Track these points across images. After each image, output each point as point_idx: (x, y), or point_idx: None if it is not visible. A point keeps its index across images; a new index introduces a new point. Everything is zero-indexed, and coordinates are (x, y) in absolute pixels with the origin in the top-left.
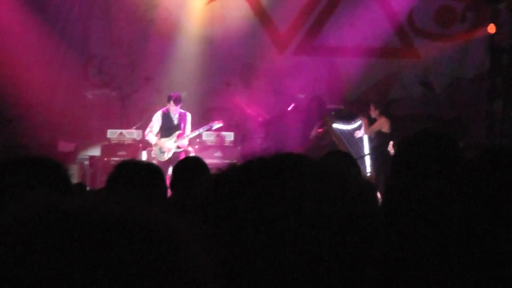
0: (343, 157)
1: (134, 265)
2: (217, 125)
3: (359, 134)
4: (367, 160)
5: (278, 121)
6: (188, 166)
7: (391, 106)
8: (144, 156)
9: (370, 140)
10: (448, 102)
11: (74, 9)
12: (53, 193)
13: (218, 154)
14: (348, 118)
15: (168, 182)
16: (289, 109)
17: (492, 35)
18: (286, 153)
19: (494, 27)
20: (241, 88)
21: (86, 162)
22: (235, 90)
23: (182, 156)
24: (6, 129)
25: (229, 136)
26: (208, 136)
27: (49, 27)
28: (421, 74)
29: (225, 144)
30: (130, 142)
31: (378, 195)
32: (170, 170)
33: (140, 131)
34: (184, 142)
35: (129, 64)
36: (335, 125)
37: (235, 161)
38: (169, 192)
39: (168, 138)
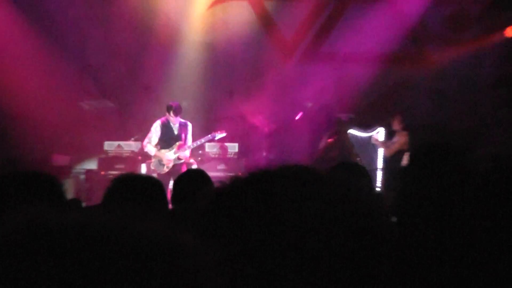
0: (353, 169)
1: (131, 284)
2: (219, 135)
3: (376, 137)
4: (379, 174)
5: (285, 132)
6: (191, 179)
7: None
8: (143, 169)
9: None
10: (463, 111)
11: (69, 15)
12: (44, 208)
13: (221, 166)
14: (363, 125)
15: (169, 196)
16: (296, 118)
17: (510, 39)
18: (292, 165)
19: None
20: (245, 97)
21: (82, 176)
22: (238, 99)
23: (184, 169)
24: None
25: (233, 147)
26: (211, 148)
27: (43, 34)
28: (433, 82)
29: (229, 155)
30: (128, 154)
31: None
32: (171, 184)
33: (139, 143)
34: (186, 153)
35: (127, 72)
36: (351, 131)
37: (239, 173)
38: (170, 207)
39: (168, 149)
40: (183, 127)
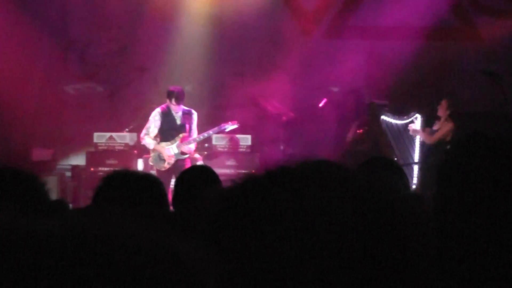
0: (386, 165)
1: None
2: (231, 126)
3: (413, 126)
4: (415, 169)
5: (306, 121)
6: (194, 177)
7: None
8: (140, 165)
9: (423, 144)
10: None
11: None
12: (20, 212)
13: (231, 162)
14: (398, 111)
15: (170, 196)
16: (320, 105)
17: None
18: (316, 161)
19: None
20: (259, 80)
21: (68, 173)
22: (251, 83)
23: (188, 165)
24: None
25: (245, 139)
26: (219, 140)
27: (18, 7)
28: (484, 61)
29: (240, 149)
30: (122, 148)
31: None
32: (173, 182)
33: (134, 134)
34: (190, 147)
35: (119, 50)
36: (384, 117)
37: (252, 171)
38: (171, 209)
39: (169, 142)
40: (187, 116)
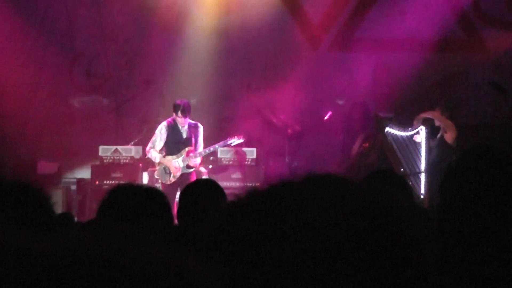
0: (390, 178)
1: None
2: (237, 140)
3: (417, 138)
4: (423, 178)
5: (311, 134)
6: (199, 190)
7: (455, 113)
8: (145, 179)
9: (429, 153)
10: None
11: None
12: (24, 226)
13: (236, 175)
14: (404, 124)
15: (175, 210)
16: (325, 118)
17: None
18: (321, 175)
19: None
20: (265, 93)
21: (73, 187)
22: (257, 95)
23: (193, 178)
24: None
25: (251, 152)
26: (224, 153)
27: (26, 20)
28: (490, 73)
29: (246, 162)
30: (127, 161)
31: None
32: (178, 196)
33: (139, 148)
34: (196, 160)
35: (125, 63)
36: (389, 129)
37: (257, 184)
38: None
39: (175, 155)
40: (193, 129)
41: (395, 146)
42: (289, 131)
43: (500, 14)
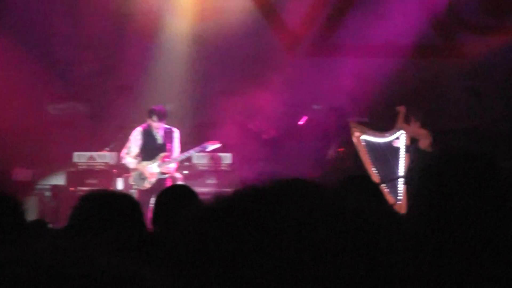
0: (363, 183)
1: None
2: (212, 146)
3: (397, 144)
4: (401, 184)
5: (287, 139)
6: (173, 196)
7: (429, 118)
8: (120, 185)
9: (407, 160)
10: (502, 114)
11: (31, 3)
12: None
13: (212, 180)
14: (380, 129)
15: (150, 215)
16: (300, 123)
17: None
18: (289, 180)
19: None
20: (240, 99)
21: (48, 193)
22: (232, 101)
23: (168, 184)
24: None
25: (226, 158)
26: (199, 159)
27: (1, 25)
28: (466, 78)
29: (221, 168)
30: (102, 167)
31: None
32: (152, 201)
33: (114, 154)
34: (171, 166)
35: (101, 70)
36: (365, 137)
37: (232, 189)
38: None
39: (150, 161)
40: (168, 135)
41: (370, 153)
42: (265, 136)
43: (476, 19)
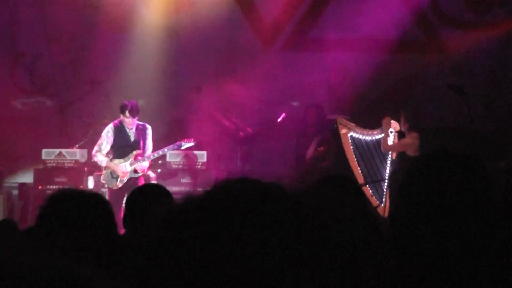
0: (341, 183)
1: None
2: (187, 144)
3: (388, 141)
4: (385, 186)
5: (265, 137)
6: (145, 195)
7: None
8: (90, 183)
9: (391, 161)
10: (485, 111)
11: None
12: None
13: (186, 179)
14: (368, 127)
15: (121, 215)
16: (278, 120)
17: None
18: (257, 181)
19: None
20: (216, 94)
21: (15, 192)
22: (208, 97)
23: (141, 183)
24: None
25: (201, 156)
26: (173, 157)
27: None
28: (449, 74)
29: (196, 166)
30: (71, 165)
31: None
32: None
33: (85, 151)
34: (144, 164)
35: (70, 63)
36: (352, 134)
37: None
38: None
39: (122, 159)
40: (141, 131)
41: (356, 152)
42: (241, 134)
43: (459, 14)
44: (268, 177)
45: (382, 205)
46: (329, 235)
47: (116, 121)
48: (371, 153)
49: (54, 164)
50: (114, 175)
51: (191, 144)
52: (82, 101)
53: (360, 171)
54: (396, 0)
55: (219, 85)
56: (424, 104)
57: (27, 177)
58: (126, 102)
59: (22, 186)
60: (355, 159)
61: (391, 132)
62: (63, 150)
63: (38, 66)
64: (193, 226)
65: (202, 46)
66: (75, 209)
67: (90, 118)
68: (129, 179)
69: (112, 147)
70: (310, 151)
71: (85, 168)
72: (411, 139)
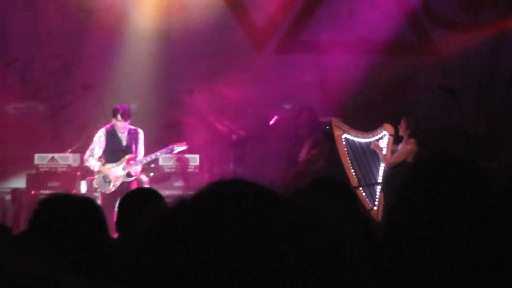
0: (333, 185)
1: None
2: (179, 148)
3: (381, 144)
4: (379, 190)
5: (257, 139)
6: (137, 199)
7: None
8: (83, 188)
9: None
10: (477, 113)
11: None
12: None
13: (179, 183)
14: (364, 129)
15: (114, 219)
16: (271, 123)
17: None
18: (250, 184)
19: None
20: (208, 97)
21: (8, 197)
22: (200, 100)
23: (133, 187)
24: None
25: (194, 159)
26: (166, 161)
27: None
28: (441, 76)
29: (189, 170)
30: (64, 169)
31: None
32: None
33: (77, 155)
34: (137, 168)
35: (62, 68)
36: (346, 136)
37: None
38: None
39: (115, 163)
40: (133, 136)
41: (350, 154)
42: (234, 136)
43: (451, 15)
44: (260, 180)
45: (375, 208)
46: (318, 237)
47: (108, 126)
48: (365, 156)
49: (47, 169)
50: (106, 180)
51: (184, 147)
52: (74, 106)
53: (353, 173)
54: (388, 2)
55: (211, 88)
56: (416, 105)
57: (19, 182)
58: (118, 106)
59: (15, 191)
60: (349, 162)
61: (384, 135)
62: (56, 155)
63: (30, 71)
64: (184, 228)
65: (194, 49)
66: (66, 214)
67: (82, 122)
68: (122, 184)
69: (104, 151)
70: (302, 154)
71: (78, 173)
72: (411, 145)
